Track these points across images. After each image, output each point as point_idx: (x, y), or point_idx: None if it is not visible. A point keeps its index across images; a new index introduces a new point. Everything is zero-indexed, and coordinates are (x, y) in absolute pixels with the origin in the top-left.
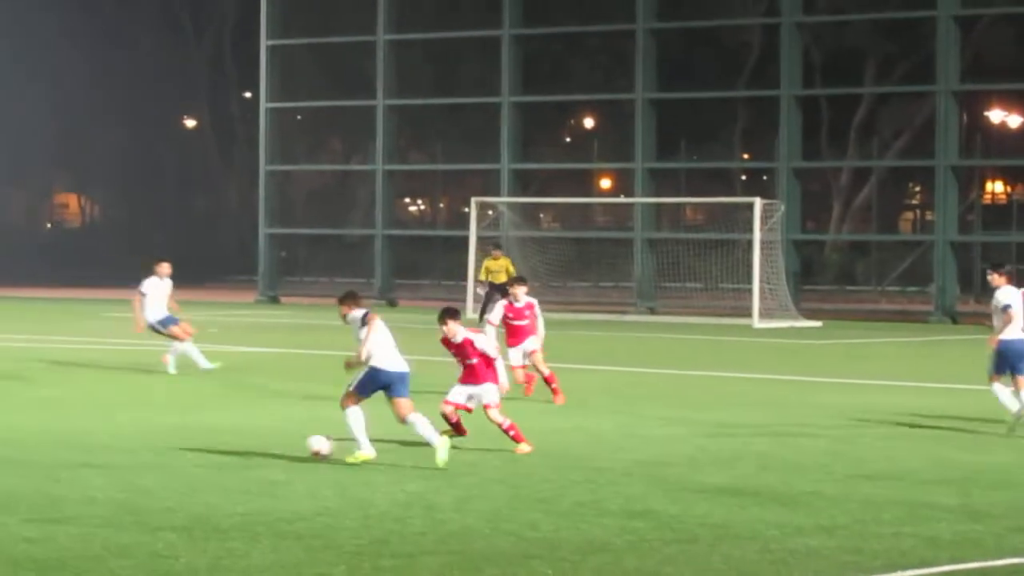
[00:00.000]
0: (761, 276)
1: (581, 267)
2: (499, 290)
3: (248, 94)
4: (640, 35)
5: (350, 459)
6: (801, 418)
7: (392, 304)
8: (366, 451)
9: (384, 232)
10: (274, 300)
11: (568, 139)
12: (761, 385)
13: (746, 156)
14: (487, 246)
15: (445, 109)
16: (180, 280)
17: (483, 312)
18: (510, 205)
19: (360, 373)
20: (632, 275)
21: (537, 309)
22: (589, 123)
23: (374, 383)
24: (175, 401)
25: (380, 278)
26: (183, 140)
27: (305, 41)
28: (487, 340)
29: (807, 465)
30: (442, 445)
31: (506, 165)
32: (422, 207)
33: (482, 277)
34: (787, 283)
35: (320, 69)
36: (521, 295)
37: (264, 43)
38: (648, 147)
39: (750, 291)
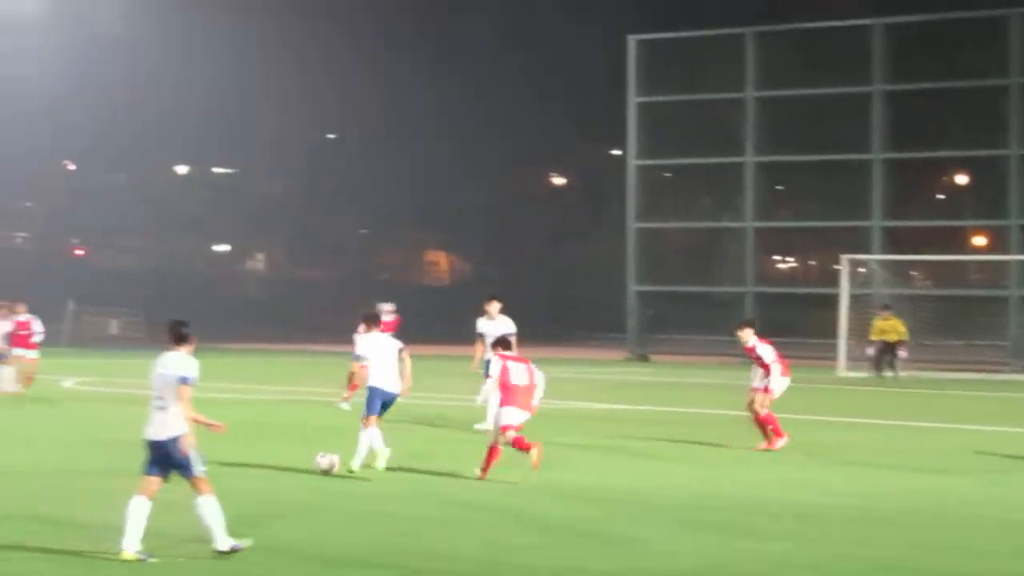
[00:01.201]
0: None
1: (954, 325)
2: (890, 349)
3: (617, 151)
4: (1013, 90)
5: None
6: None
7: None
8: None
9: (754, 289)
10: (643, 358)
11: (940, 196)
12: None
13: None
14: (864, 305)
15: (814, 165)
16: (548, 337)
17: (878, 366)
18: (881, 263)
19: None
20: (1007, 333)
21: (760, 351)
22: (962, 180)
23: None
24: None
25: None
26: (552, 197)
27: (673, 98)
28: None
29: None
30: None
31: (876, 222)
32: (792, 264)
33: (873, 336)
34: None
35: (688, 125)
36: (744, 337)
37: (632, 100)
38: (1023, 203)
39: None
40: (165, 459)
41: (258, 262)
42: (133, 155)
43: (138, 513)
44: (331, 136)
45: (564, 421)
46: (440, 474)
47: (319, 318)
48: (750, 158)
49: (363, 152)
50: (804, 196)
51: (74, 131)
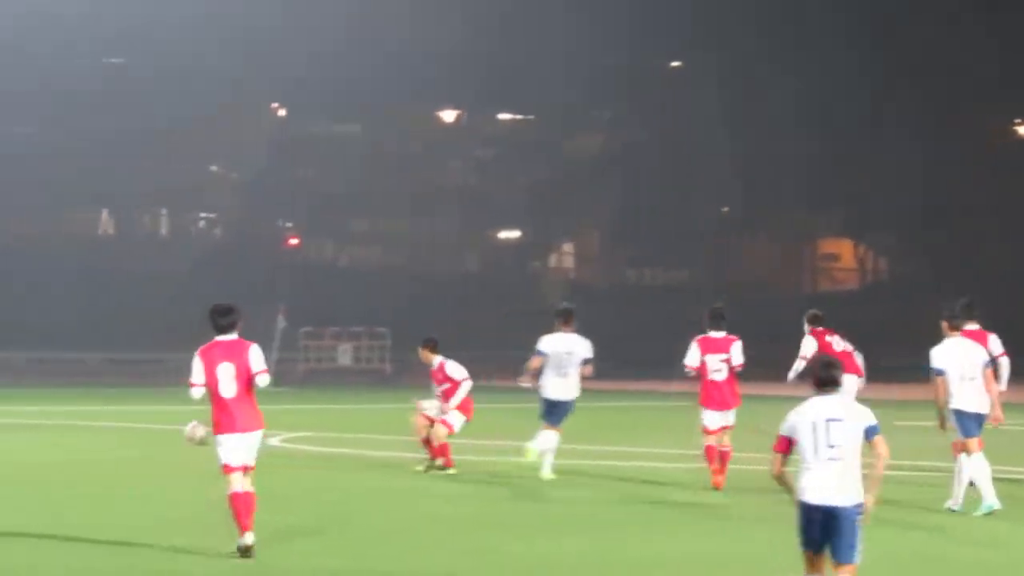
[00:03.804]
0: None
1: None
2: None
3: None
4: None
5: None
6: None
7: None
8: None
9: None
10: None
11: None
12: None
13: None
14: None
15: None
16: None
17: None
18: None
19: None
20: None
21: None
22: None
23: None
24: None
25: None
26: (1014, 155)
27: None
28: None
29: None
30: None
31: None
32: None
33: None
34: None
35: None
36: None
37: None
38: None
39: None
40: (828, 529)
41: (565, 256)
42: (370, 95)
43: None
44: (675, 64)
45: None
46: None
47: (653, 343)
48: None
49: (723, 91)
50: None
51: (287, 64)
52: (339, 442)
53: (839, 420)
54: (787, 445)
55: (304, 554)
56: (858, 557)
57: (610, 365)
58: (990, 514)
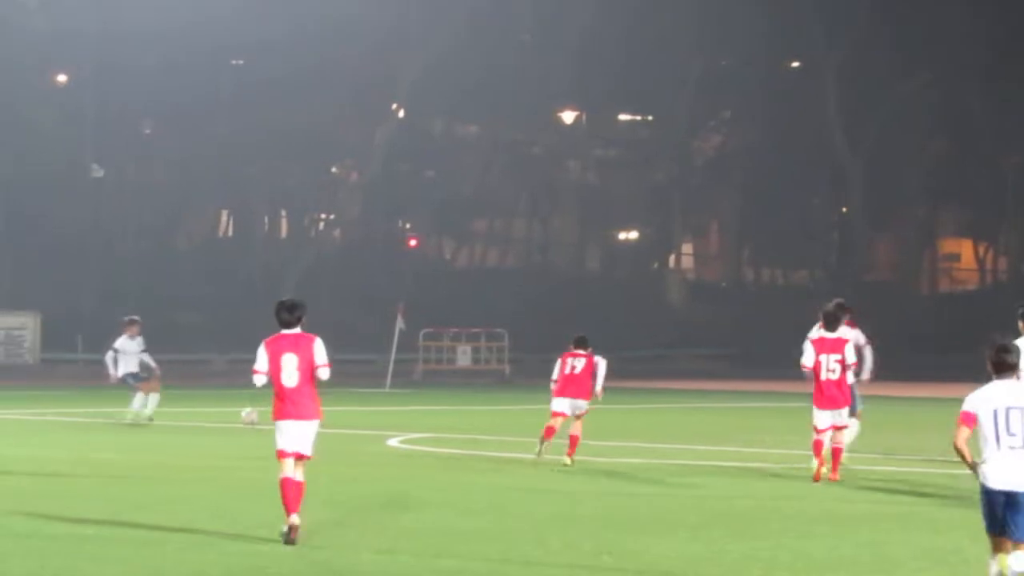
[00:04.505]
0: None
1: None
2: None
3: None
4: None
5: None
6: None
7: None
8: None
9: None
10: None
11: None
12: None
13: None
14: None
15: None
16: None
17: None
18: None
19: None
20: None
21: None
22: None
23: None
24: None
25: None
26: None
27: None
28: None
29: None
30: None
31: None
32: None
33: None
34: None
35: None
36: None
37: None
38: None
39: None
40: (1008, 509)
41: (684, 256)
42: (490, 96)
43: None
44: (795, 65)
45: None
46: None
47: (772, 343)
48: None
49: (842, 90)
50: None
51: (407, 65)
52: (458, 443)
53: (1018, 408)
54: (973, 421)
55: (425, 555)
56: None
57: (726, 365)
58: None
